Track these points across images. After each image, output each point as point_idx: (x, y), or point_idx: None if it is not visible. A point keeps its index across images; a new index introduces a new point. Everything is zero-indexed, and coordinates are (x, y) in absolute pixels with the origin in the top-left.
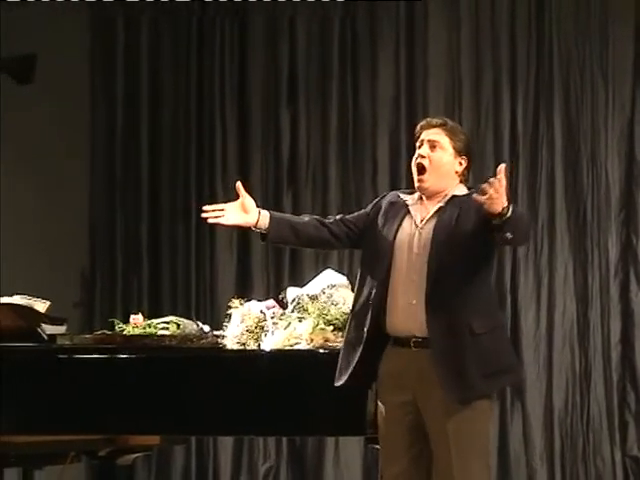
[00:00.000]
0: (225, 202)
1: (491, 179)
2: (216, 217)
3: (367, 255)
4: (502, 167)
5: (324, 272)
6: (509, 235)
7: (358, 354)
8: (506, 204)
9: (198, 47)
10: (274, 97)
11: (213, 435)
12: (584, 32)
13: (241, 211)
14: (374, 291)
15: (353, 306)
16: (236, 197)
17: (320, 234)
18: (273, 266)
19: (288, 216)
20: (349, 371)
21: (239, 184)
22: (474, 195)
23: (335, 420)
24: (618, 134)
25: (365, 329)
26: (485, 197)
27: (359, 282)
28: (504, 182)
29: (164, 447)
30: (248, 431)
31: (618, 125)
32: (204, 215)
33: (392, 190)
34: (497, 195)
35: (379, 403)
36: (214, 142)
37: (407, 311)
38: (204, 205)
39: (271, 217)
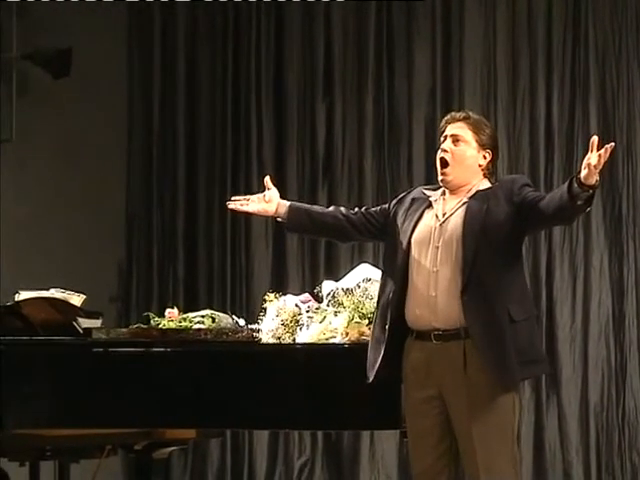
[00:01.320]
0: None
1: (599, 152)
2: (239, 205)
3: (388, 251)
4: (594, 140)
5: (359, 266)
6: (579, 202)
7: (382, 350)
8: (597, 181)
9: (234, 42)
10: (310, 91)
11: (248, 429)
12: (620, 21)
13: (263, 201)
14: (393, 287)
15: (378, 302)
16: None
17: (338, 223)
18: (308, 260)
19: (307, 206)
20: (376, 367)
21: (267, 178)
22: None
23: (370, 414)
24: None
25: (387, 326)
26: (585, 164)
27: (382, 278)
28: (605, 159)
29: (200, 441)
30: (283, 425)
31: None
32: (228, 202)
33: (427, 182)
34: (596, 169)
35: (405, 398)
36: (250, 136)
37: (427, 304)
38: (234, 211)
39: (290, 206)
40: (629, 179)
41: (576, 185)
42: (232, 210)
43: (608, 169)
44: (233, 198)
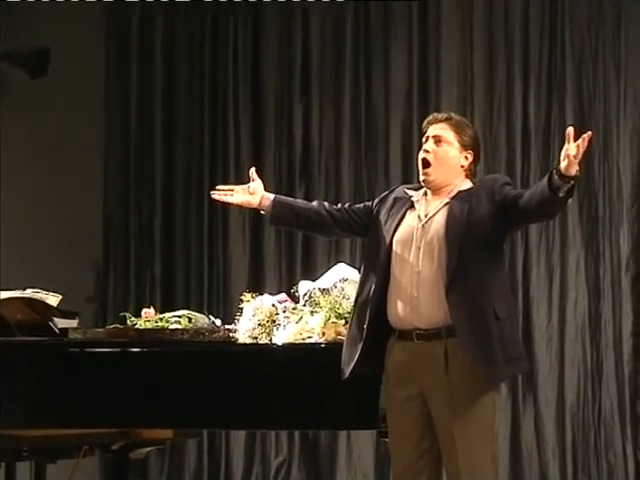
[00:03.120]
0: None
1: (576, 142)
2: (223, 195)
3: (369, 250)
4: (570, 130)
5: (336, 266)
6: (561, 194)
7: (359, 349)
8: (578, 171)
9: (212, 42)
10: (287, 92)
11: (225, 429)
12: (596, 23)
13: (247, 193)
14: (373, 286)
15: (355, 300)
16: None
17: (321, 218)
18: (285, 260)
19: (291, 200)
20: (351, 365)
21: (253, 169)
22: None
23: (347, 414)
24: (630, 127)
25: (365, 325)
26: (564, 155)
27: (361, 277)
28: (583, 149)
29: (177, 441)
30: (260, 425)
31: (630, 117)
32: (213, 192)
33: (404, 183)
34: (576, 159)
35: (387, 398)
36: (227, 136)
37: (409, 304)
38: (217, 201)
39: (274, 199)
40: (605, 179)
41: (556, 177)
42: (216, 201)
43: (585, 170)
44: (218, 187)
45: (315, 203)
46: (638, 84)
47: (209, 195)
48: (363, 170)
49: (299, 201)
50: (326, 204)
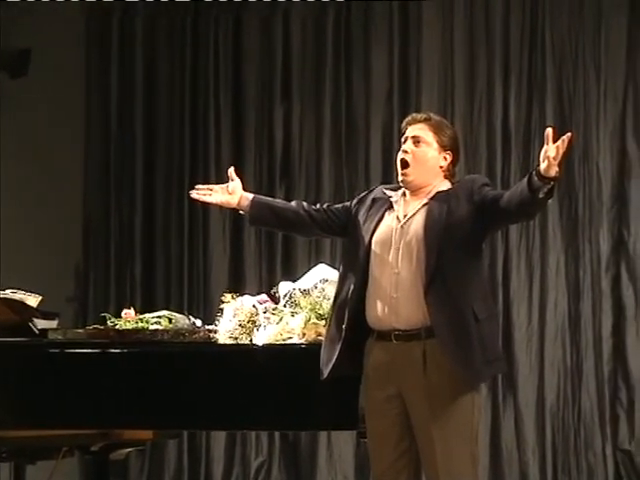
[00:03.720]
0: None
1: (556, 144)
2: (202, 194)
3: (348, 250)
4: (549, 131)
5: (316, 267)
6: (541, 195)
7: (338, 349)
8: (558, 173)
9: (193, 43)
10: (268, 94)
11: (205, 429)
12: (577, 25)
13: (226, 193)
14: (352, 287)
15: (334, 301)
16: None
17: (300, 219)
18: (266, 261)
19: (270, 200)
20: (330, 366)
21: (231, 169)
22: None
23: (327, 415)
24: (611, 128)
25: (344, 326)
26: (544, 157)
27: (340, 277)
28: (562, 150)
29: (157, 441)
30: (240, 426)
31: (610, 119)
32: (192, 191)
33: (384, 183)
34: (555, 161)
35: (366, 398)
36: (208, 139)
37: (388, 305)
38: (197, 202)
39: (253, 200)
40: (585, 180)
41: (536, 178)
42: (195, 200)
43: (565, 170)
44: (196, 187)
45: (294, 203)
46: (618, 86)
47: (189, 196)
48: (343, 171)
49: (278, 201)
50: (305, 204)
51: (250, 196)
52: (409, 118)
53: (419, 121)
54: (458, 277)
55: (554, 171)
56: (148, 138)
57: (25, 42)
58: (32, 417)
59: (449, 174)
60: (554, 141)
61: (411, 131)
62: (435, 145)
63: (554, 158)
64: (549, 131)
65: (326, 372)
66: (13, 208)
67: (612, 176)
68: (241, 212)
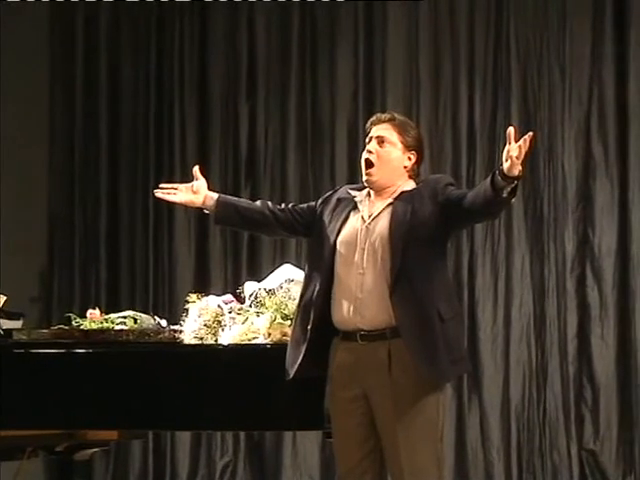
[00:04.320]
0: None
1: (518, 143)
2: (166, 193)
3: (313, 251)
4: (511, 130)
5: (282, 267)
6: (504, 195)
7: (303, 350)
8: (521, 172)
9: (158, 42)
10: (233, 92)
11: (171, 430)
12: (542, 26)
13: (191, 192)
14: (317, 287)
15: (299, 301)
16: None
17: (265, 219)
18: (231, 261)
19: (235, 200)
20: (295, 366)
21: (196, 168)
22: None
23: (293, 414)
24: (575, 128)
25: (309, 326)
26: (506, 156)
27: (305, 278)
28: (525, 149)
29: (122, 442)
30: (206, 426)
31: (575, 119)
32: (156, 190)
33: (349, 183)
34: (518, 160)
35: (331, 398)
36: (173, 137)
37: (354, 305)
38: (162, 201)
39: (218, 199)
40: (550, 180)
41: (499, 178)
42: (160, 199)
43: (529, 170)
44: (161, 185)
45: (259, 203)
46: (583, 86)
47: (154, 195)
48: (309, 170)
49: (243, 201)
50: (270, 204)
51: (215, 195)
52: (374, 118)
53: (384, 121)
54: (423, 277)
55: (517, 170)
56: (112, 138)
57: None
58: None
59: (413, 174)
60: (516, 140)
61: (375, 131)
62: (399, 145)
63: (517, 157)
64: (511, 130)
65: (292, 372)
66: None
67: (577, 176)
68: (206, 211)
